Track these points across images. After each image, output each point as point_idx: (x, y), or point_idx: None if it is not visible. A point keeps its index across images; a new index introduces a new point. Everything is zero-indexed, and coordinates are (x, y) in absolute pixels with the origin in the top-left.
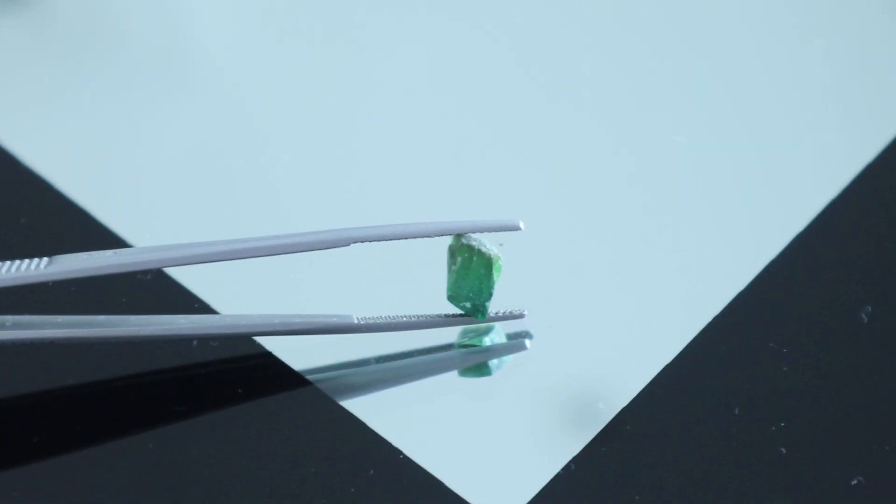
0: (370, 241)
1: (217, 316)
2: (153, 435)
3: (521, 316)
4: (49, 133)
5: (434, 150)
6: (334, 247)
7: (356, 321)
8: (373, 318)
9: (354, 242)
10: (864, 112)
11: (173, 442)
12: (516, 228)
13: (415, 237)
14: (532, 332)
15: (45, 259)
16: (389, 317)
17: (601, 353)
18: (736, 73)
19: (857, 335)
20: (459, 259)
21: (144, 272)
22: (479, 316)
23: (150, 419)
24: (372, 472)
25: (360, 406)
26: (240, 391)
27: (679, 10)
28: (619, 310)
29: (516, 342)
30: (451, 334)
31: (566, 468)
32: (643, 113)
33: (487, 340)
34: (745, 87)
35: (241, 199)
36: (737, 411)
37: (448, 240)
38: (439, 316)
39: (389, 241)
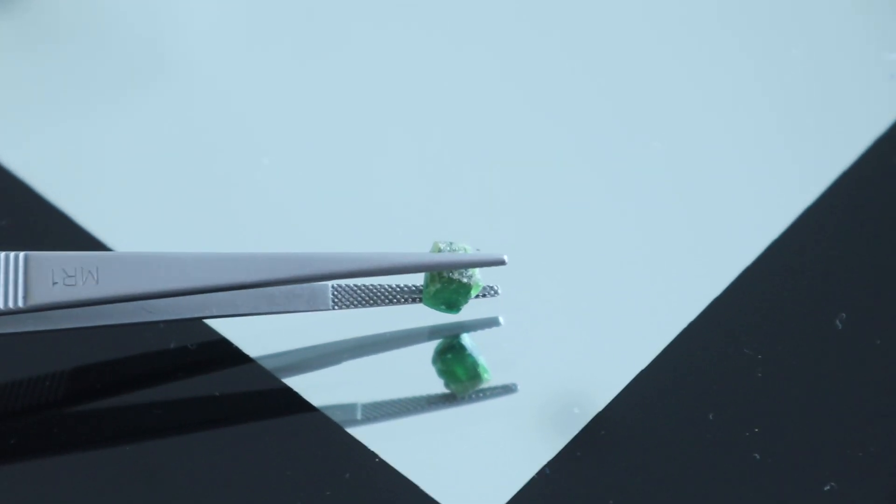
0: (350, 278)
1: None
2: (127, 437)
3: (501, 262)
4: (27, 133)
5: (413, 156)
6: (312, 281)
7: (331, 299)
8: (348, 286)
9: (334, 279)
10: (841, 120)
11: (148, 444)
12: (501, 263)
13: (398, 272)
14: (508, 337)
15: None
16: (365, 287)
17: (576, 358)
18: (713, 78)
19: (831, 342)
20: (439, 285)
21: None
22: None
23: (124, 421)
24: (348, 475)
25: (335, 409)
26: (216, 394)
27: (654, 19)
28: (595, 315)
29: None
30: (430, 343)
31: (541, 472)
32: (619, 118)
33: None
34: (721, 93)
35: (221, 201)
36: (711, 417)
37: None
38: (413, 288)
39: (369, 277)
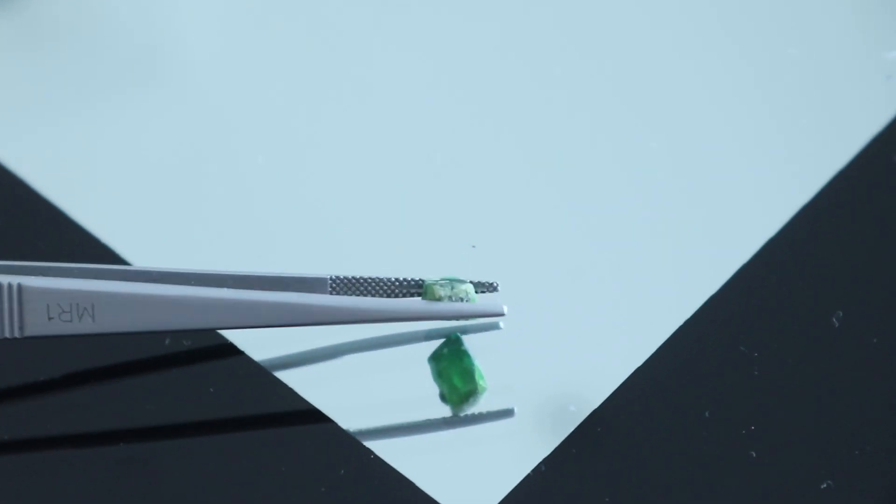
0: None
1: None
2: (120, 432)
3: (500, 313)
4: (27, 134)
5: (409, 157)
6: (309, 325)
7: (329, 293)
8: (346, 279)
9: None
10: (838, 118)
11: (141, 439)
12: (500, 314)
13: (395, 321)
14: (504, 335)
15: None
16: (364, 280)
17: (573, 355)
18: (710, 77)
19: (828, 340)
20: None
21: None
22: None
23: (118, 417)
24: (343, 471)
25: (331, 405)
26: (211, 390)
27: (651, 16)
28: (592, 312)
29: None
30: (427, 341)
31: (537, 469)
32: (616, 117)
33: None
34: (719, 91)
35: (218, 200)
36: (707, 414)
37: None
38: (413, 282)
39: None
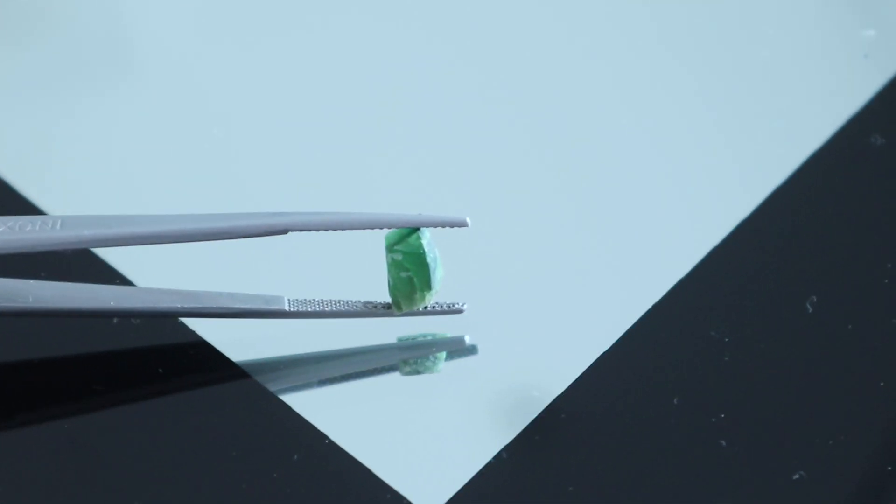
0: (307, 230)
1: (140, 289)
2: (69, 413)
3: (459, 311)
4: None
5: (379, 139)
6: (270, 234)
7: (287, 306)
8: (305, 300)
9: (291, 230)
10: (814, 98)
11: (90, 421)
12: (463, 224)
13: (359, 228)
14: (468, 319)
15: None
16: (322, 301)
17: (536, 339)
18: (685, 53)
19: (801, 326)
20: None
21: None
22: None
23: (67, 397)
24: (296, 456)
25: (285, 389)
26: (160, 370)
27: (617, 24)
28: (557, 295)
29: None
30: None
31: (498, 456)
32: (582, 103)
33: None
34: (693, 69)
35: (174, 177)
36: (676, 401)
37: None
38: (374, 305)
39: (328, 231)
